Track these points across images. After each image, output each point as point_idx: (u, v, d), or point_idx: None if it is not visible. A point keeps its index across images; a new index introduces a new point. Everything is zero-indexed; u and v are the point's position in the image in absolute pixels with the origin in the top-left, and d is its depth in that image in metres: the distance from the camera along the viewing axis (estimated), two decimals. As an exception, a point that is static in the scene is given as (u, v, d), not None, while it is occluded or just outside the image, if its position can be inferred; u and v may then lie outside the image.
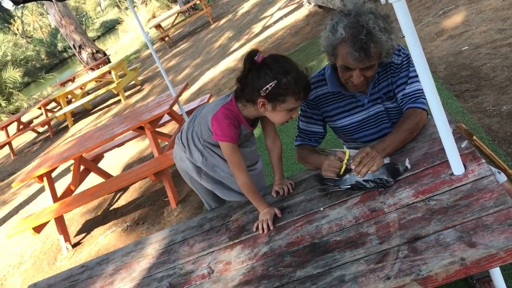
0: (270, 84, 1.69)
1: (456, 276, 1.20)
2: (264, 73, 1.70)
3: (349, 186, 1.67)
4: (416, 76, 1.88)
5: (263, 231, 1.75)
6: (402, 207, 1.49)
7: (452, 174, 1.50)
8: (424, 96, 1.85)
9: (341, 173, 1.73)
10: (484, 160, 1.49)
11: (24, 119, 12.23)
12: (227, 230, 1.91)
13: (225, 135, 1.84)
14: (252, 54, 1.72)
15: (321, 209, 1.70)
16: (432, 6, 5.55)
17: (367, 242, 1.42)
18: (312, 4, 8.30)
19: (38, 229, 4.48)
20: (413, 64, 1.87)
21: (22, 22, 42.85)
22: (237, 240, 1.80)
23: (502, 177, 1.83)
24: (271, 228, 1.74)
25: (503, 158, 2.63)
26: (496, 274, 1.51)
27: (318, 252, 1.49)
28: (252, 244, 1.73)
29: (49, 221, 4.47)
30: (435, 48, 4.44)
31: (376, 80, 1.93)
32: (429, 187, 1.50)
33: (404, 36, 1.31)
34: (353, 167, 1.66)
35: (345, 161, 1.73)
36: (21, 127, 11.18)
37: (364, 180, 1.63)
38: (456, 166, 1.48)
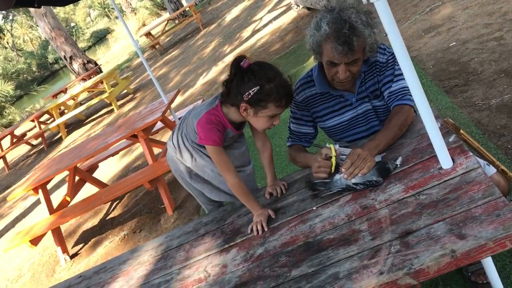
0: (253, 89, 1.72)
1: (447, 268, 1.22)
2: (248, 79, 1.73)
3: (340, 189, 1.69)
4: (402, 74, 1.90)
5: (258, 233, 1.76)
6: (393, 202, 1.50)
7: (440, 168, 1.52)
8: (411, 92, 1.88)
9: (333, 171, 1.75)
10: (471, 153, 1.52)
11: (18, 132, 12.18)
12: (222, 233, 1.93)
13: (208, 139, 1.88)
14: (238, 59, 1.75)
15: (314, 208, 1.72)
16: (419, 4, 5.60)
17: (359, 238, 1.44)
18: (301, 6, 8.34)
19: (35, 241, 4.47)
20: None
21: (12, 35, 42.77)
22: (232, 243, 1.82)
23: (491, 169, 1.86)
24: (266, 229, 1.76)
25: (494, 151, 2.66)
26: (489, 266, 1.53)
27: (312, 251, 1.51)
28: (247, 246, 1.74)
29: (46, 233, 4.46)
30: (423, 45, 4.48)
31: (363, 79, 1.96)
32: (419, 182, 1.52)
33: (386, 35, 1.33)
34: (343, 170, 1.68)
35: (333, 157, 1.75)
36: (14, 140, 11.14)
37: (354, 184, 1.65)
38: (444, 160, 1.50)
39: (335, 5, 1.82)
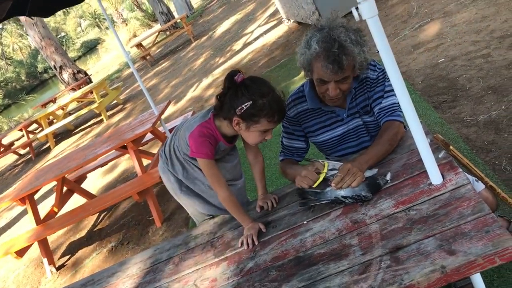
0: (246, 104, 1.73)
1: (437, 284, 1.22)
2: (241, 93, 1.74)
3: (329, 200, 1.69)
4: (392, 90, 1.93)
5: (248, 246, 1.76)
6: (383, 217, 1.51)
7: (430, 184, 1.53)
8: (401, 109, 1.90)
9: (314, 186, 1.76)
10: (461, 169, 1.53)
11: (5, 141, 12.07)
12: (212, 247, 1.92)
13: (200, 152, 1.89)
14: (232, 73, 1.76)
15: (305, 222, 1.72)
16: (408, 20, 5.68)
17: (350, 253, 1.44)
18: (291, 20, 8.41)
19: (20, 252, 4.41)
20: (388, 78, 1.92)
21: (1, 44, 42.49)
22: (222, 257, 1.81)
23: (480, 186, 1.88)
24: (256, 243, 1.76)
25: (482, 166, 2.69)
26: (478, 282, 1.54)
27: (303, 266, 1.51)
28: (238, 260, 1.74)
29: (32, 244, 4.41)
30: (412, 61, 4.54)
31: (354, 95, 1.98)
32: (409, 198, 1.53)
33: (378, 52, 1.35)
34: (333, 185, 1.69)
35: (322, 173, 1.76)
36: (2, 149, 11.02)
37: (343, 197, 1.66)
38: (434, 176, 1.52)
39: (325, 23, 1.84)
